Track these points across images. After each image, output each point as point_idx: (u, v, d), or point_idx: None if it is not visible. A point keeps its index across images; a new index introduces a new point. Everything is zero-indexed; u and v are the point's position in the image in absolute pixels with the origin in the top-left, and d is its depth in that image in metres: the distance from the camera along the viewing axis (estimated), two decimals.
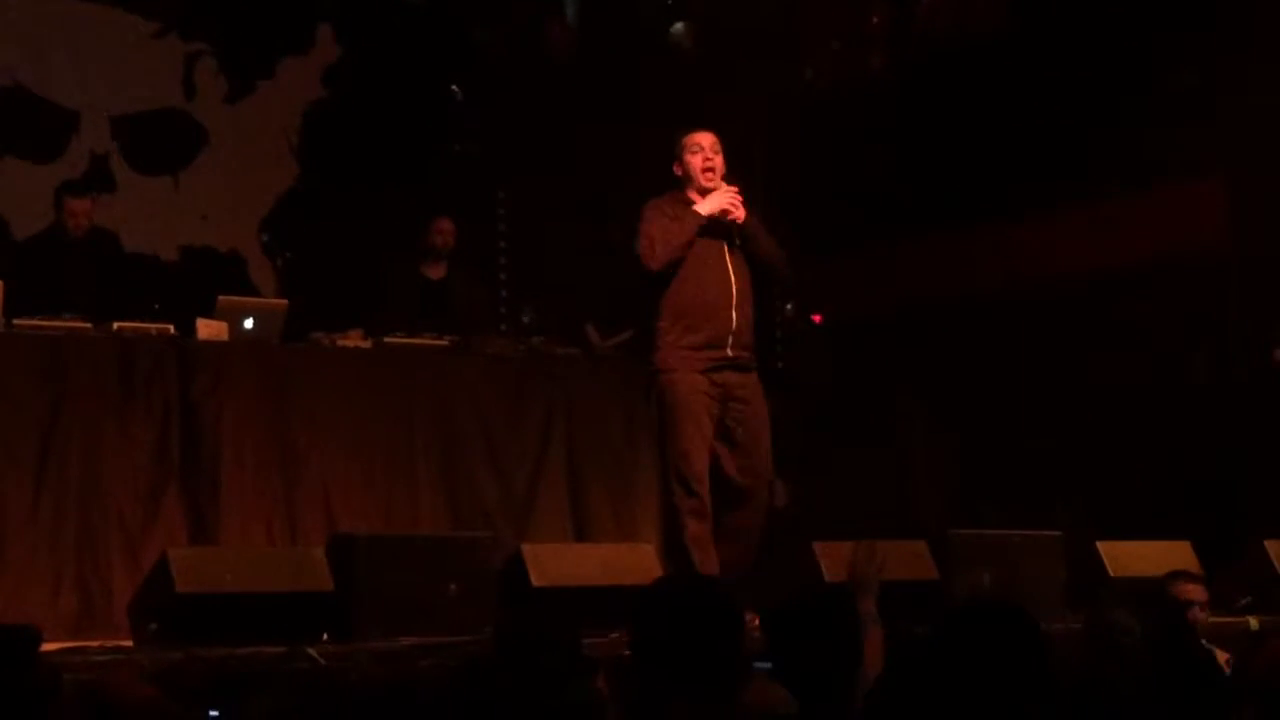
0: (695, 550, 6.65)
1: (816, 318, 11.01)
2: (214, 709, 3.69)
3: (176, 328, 7.61)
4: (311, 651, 5.28)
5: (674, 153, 6.99)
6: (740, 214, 6.86)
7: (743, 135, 10.06)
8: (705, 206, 6.83)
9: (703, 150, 6.91)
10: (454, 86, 10.71)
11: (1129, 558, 7.23)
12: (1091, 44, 9.49)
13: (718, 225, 6.89)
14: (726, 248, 6.90)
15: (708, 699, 3.34)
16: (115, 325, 7.45)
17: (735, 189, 6.89)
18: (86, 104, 10.46)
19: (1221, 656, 4.81)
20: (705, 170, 6.88)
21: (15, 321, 7.30)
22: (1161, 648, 4.22)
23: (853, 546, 6.69)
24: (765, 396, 6.98)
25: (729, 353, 6.82)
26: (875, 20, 10.64)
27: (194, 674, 4.63)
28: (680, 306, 6.84)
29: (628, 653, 3.63)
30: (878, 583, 4.68)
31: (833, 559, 6.68)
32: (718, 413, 6.80)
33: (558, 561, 6.44)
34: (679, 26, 10.93)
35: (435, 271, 9.05)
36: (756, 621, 5.10)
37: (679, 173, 6.97)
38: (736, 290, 6.86)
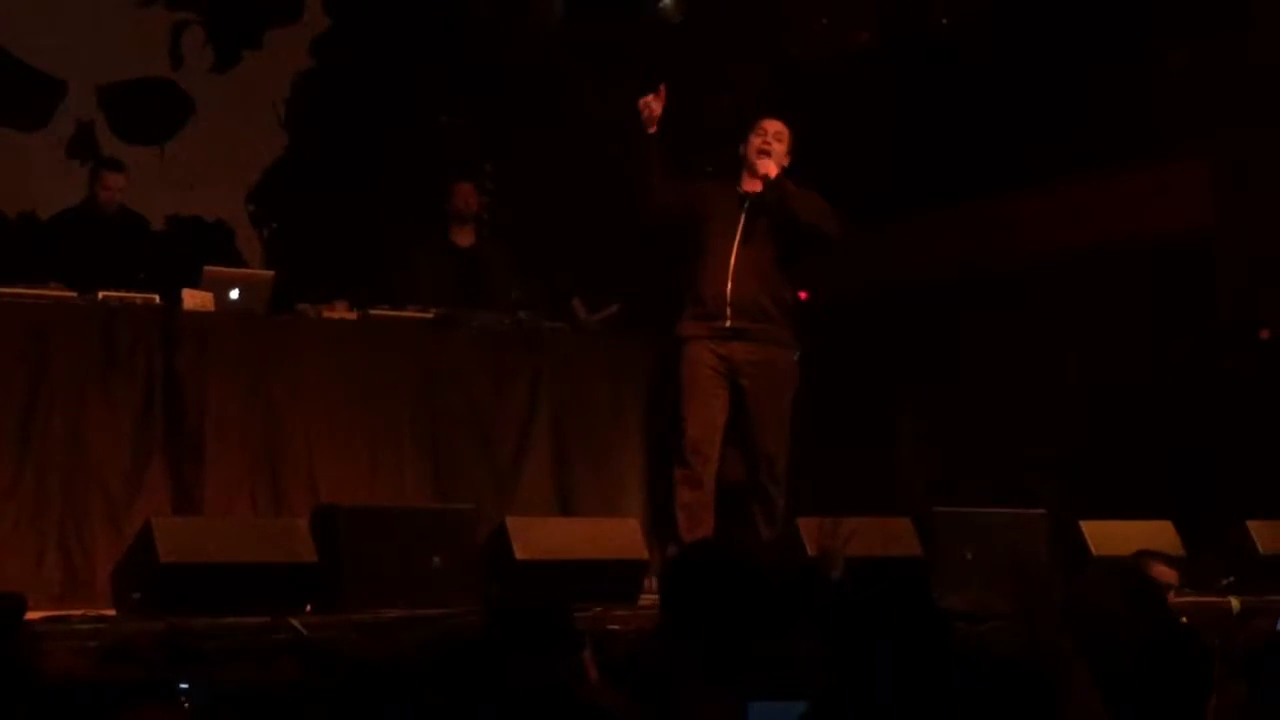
0: (682, 516, 6.72)
1: (802, 296, 11.00)
2: (185, 682, 3.68)
3: (162, 298, 7.59)
4: (295, 622, 5.28)
5: (742, 134, 7.12)
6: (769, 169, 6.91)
7: (731, 111, 10.08)
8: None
9: (765, 134, 7.00)
10: (440, 62, 10.67)
11: (1111, 537, 7.24)
12: (1077, 22, 9.49)
13: (733, 194, 6.99)
14: (744, 217, 6.97)
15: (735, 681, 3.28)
16: (100, 294, 7.44)
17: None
18: (73, 73, 10.42)
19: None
20: (760, 152, 6.97)
21: None
22: (1141, 625, 4.22)
23: (818, 523, 6.77)
24: (790, 366, 7.04)
25: (726, 323, 6.87)
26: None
27: (167, 645, 4.62)
28: (691, 275, 7.00)
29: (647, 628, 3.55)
30: (843, 558, 4.69)
31: (816, 535, 6.69)
32: (726, 384, 6.89)
33: (541, 535, 6.44)
34: (667, 1, 10.91)
35: (463, 239, 9.03)
36: None
37: (742, 153, 7.07)
38: (736, 258, 6.90)
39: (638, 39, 10.61)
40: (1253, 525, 7.43)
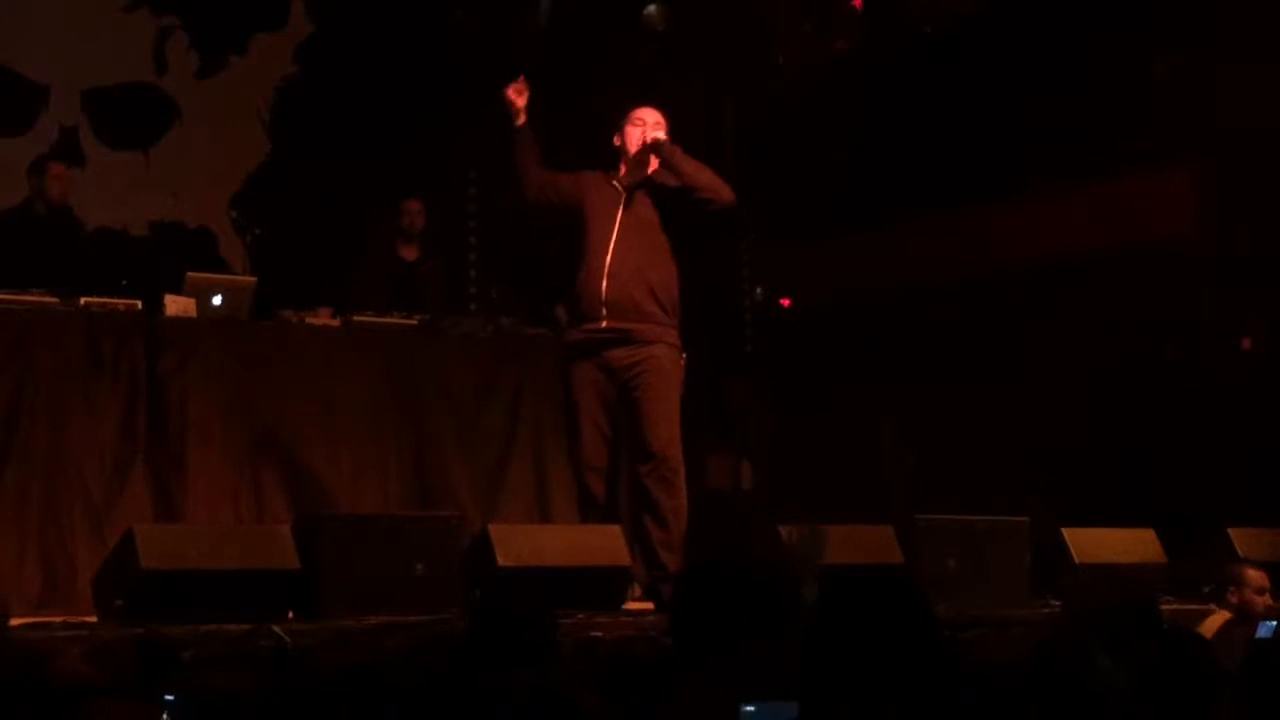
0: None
1: (785, 302, 11.02)
2: (170, 693, 3.67)
3: (145, 304, 7.58)
4: (277, 630, 5.26)
5: (616, 125, 6.81)
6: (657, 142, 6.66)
7: (716, 117, 10.09)
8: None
9: (645, 125, 6.71)
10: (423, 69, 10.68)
11: (1094, 544, 7.25)
12: (1071, 30, 9.50)
13: (609, 187, 6.72)
14: (621, 211, 6.68)
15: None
16: (82, 301, 7.42)
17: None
18: (57, 77, 10.41)
19: None
20: (641, 139, 6.69)
21: None
22: (1143, 631, 4.23)
23: (788, 531, 6.75)
24: (674, 365, 6.73)
25: (602, 324, 6.62)
26: (849, 3, 10.64)
27: (153, 654, 4.61)
28: (571, 275, 6.76)
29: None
30: (816, 566, 4.68)
31: (792, 545, 6.68)
32: (613, 394, 6.65)
33: (524, 542, 6.42)
34: (652, 8, 10.91)
35: (409, 253, 9.08)
36: None
37: (616, 144, 6.78)
38: (613, 255, 6.61)
39: (622, 47, 10.62)
40: (1234, 532, 7.44)
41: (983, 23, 9.97)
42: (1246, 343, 8.87)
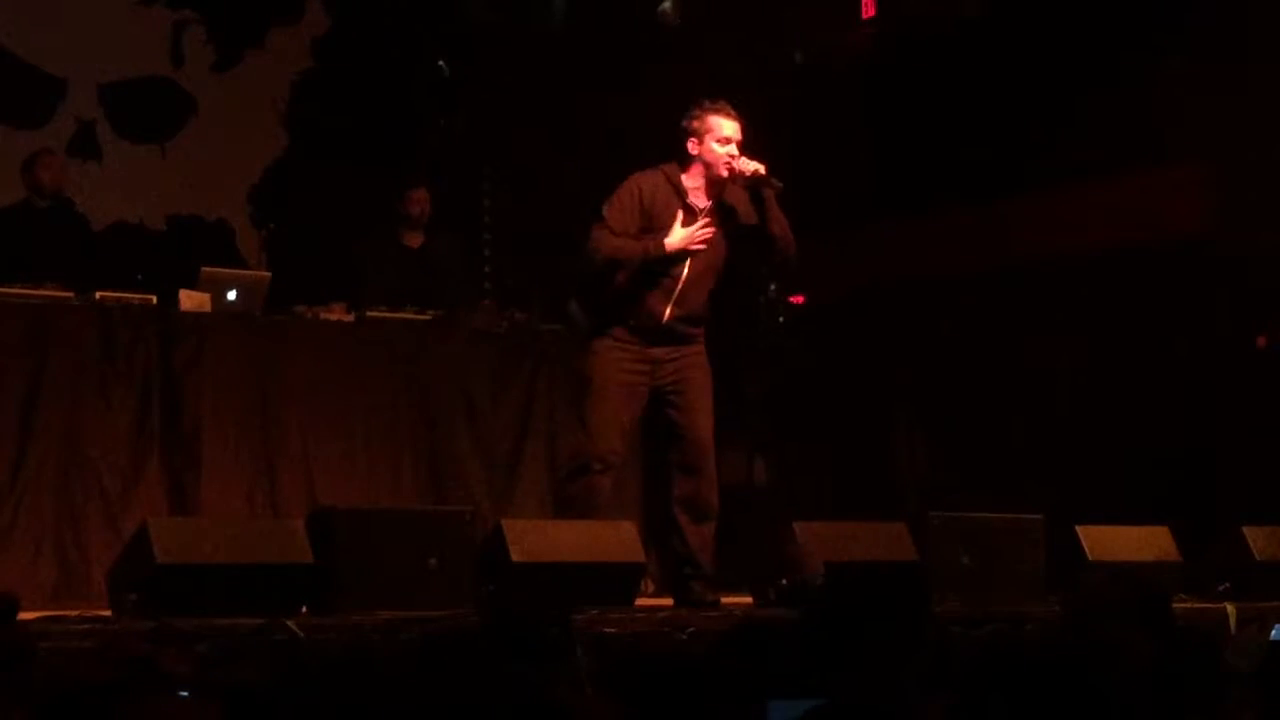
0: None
1: (798, 299, 11.01)
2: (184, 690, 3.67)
3: (160, 298, 7.60)
4: (290, 624, 5.27)
5: (691, 127, 6.53)
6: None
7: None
8: (673, 241, 6.44)
9: (731, 143, 6.48)
10: (440, 63, 10.69)
11: (1108, 542, 7.24)
12: (1077, 27, 9.49)
13: (676, 201, 6.52)
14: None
15: None
16: (97, 295, 7.45)
17: (709, 228, 6.51)
18: (74, 71, 10.42)
19: None
20: (728, 167, 6.47)
21: None
22: (1149, 630, 4.23)
23: (808, 530, 6.74)
24: (707, 362, 6.68)
25: (652, 348, 6.57)
26: (862, 4, 10.64)
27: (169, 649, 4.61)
28: (622, 288, 6.58)
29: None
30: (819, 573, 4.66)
31: (813, 539, 6.68)
32: (646, 388, 6.58)
33: (538, 537, 6.43)
34: (666, 3, 10.91)
35: (413, 240, 9.07)
36: None
37: (694, 153, 6.53)
38: (685, 284, 6.51)
39: (637, 41, 10.62)
40: (1249, 531, 7.42)
41: (990, 22, 9.96)
42: (1261, 340, 8.84)
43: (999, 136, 9.67)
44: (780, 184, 6.55)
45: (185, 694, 3.57)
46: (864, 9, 10.62)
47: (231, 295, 7.78)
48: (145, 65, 10.73)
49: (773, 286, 10.85)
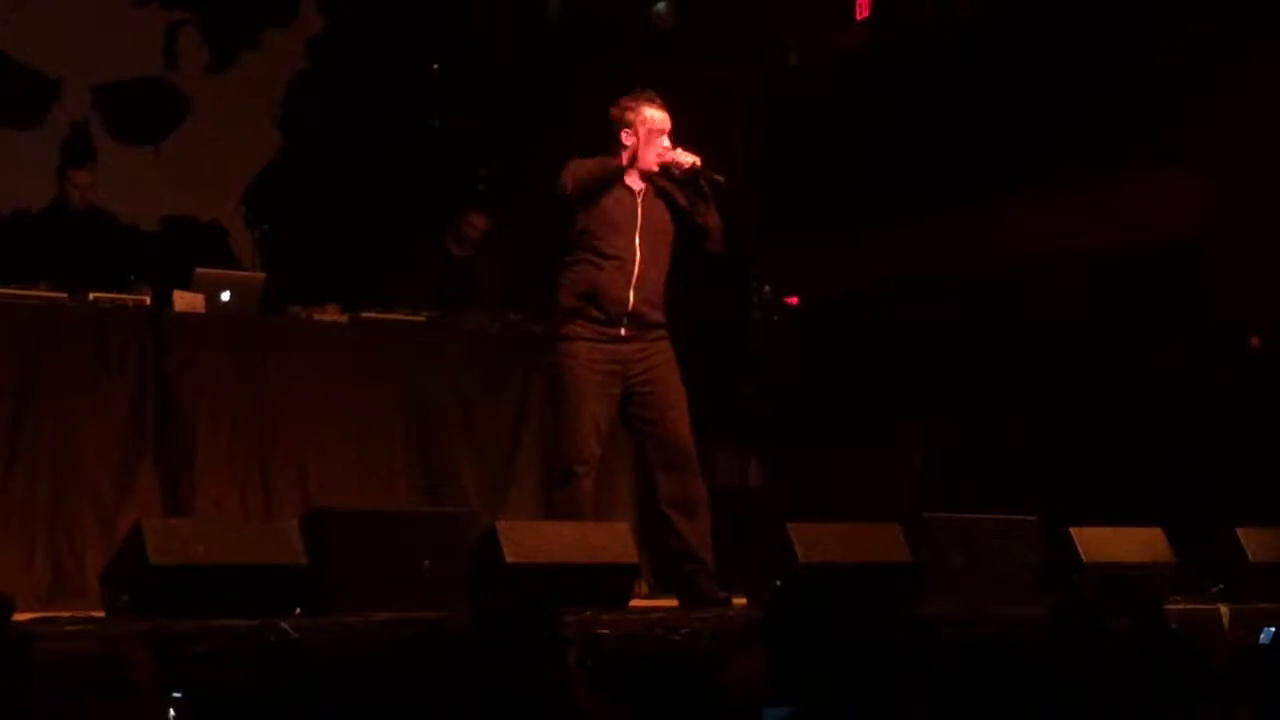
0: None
1: (792, 300, 11.01)
2: (177, 690, 3.67)
3: (156, 299, 7.60)
4: (284, 625, 5.27)
5: (624, 118, 6.60)
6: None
7: (723, 115, 10.08)
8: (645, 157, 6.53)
9: (664, 135, 6.56)
10: (434, 64, 10.70)
11: (1102, 543, 7.24)
12: (1074, 27, 9.49)
13: (624, 192, 6.61)
14: (640, 212, 6.60)
15: None
16: (91, 296, 7.44)
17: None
18: (68, 72, 10.42)
19: None
20: (659, 160, 6.56)
21: None
22: (1136, 634, 4.23)
23: (809, 529, 6.73)
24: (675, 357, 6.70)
25: (621, 331, 6.58)
26: (858, 2, 10.65)
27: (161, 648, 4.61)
28: (580, 276, 6.64)
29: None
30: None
31: (807, 540, 6.69)
32: (618, 385, 6.60)
33: (531, 538, 6.43)
34: (661, 4, 10.91)
35: (459, 250, 9.20)
36: None
37: (627, 143, 6.58)
38: (640, 265, 6.57)
39: (631, 43, 10.62)
40: (1242, 532, 7.42)
41: (985, 23, 9.96)
42: (1256, 341, 8.85)
43: (995, 137, 9.67)
44: (723, 177, 6.61)
45: (179, 695, 3.58)
46: (859, 10, 10.62)
47: (225, 296, 7.77)
48: (139, 66, 10.73)
49: (767, 288, 10.86)
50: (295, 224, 10.81)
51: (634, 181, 6.65)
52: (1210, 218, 9.00)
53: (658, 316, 6.64)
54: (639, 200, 6.63)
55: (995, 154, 9.70)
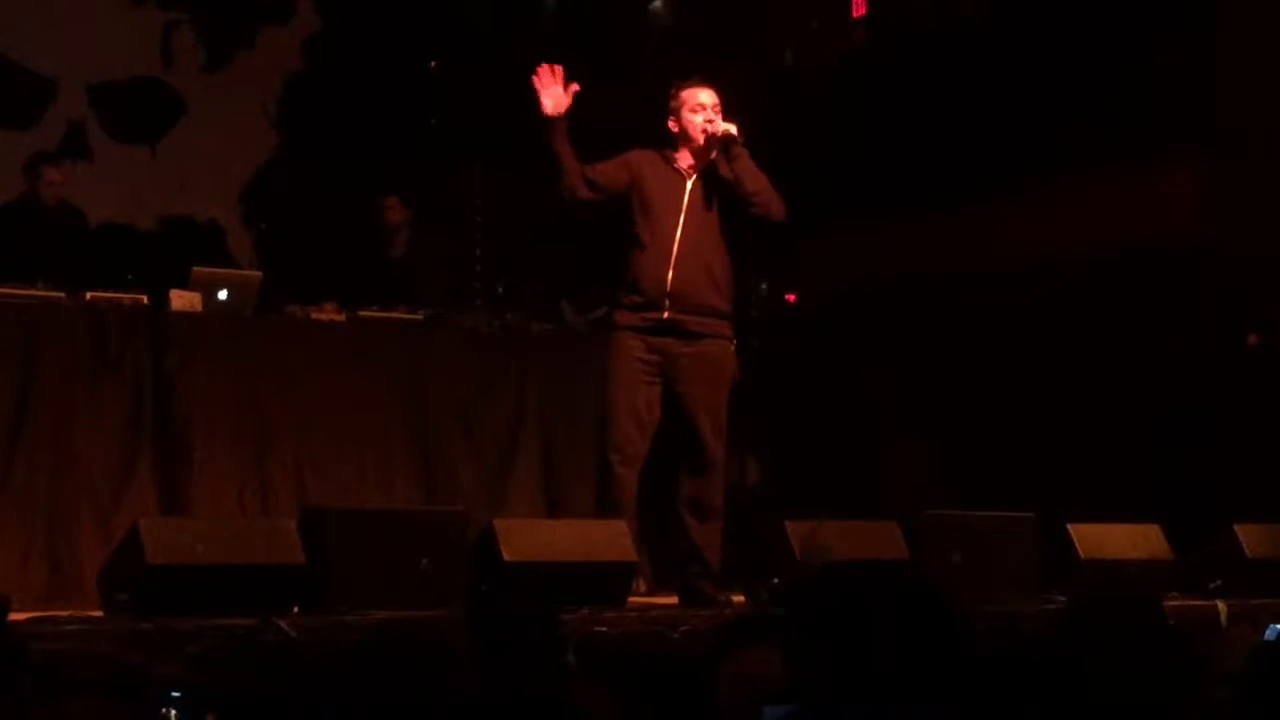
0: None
1: (791, 297, 11.02)
2: (176, 690, 3.67)
3: (152, 298, 7.59)
4: (282, 624, 5.27)
5: (670, 108, 6.64)
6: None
7: (723, 114, 10.06)
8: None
9: (706, 110, 6.56)
10: (431, 62, 10.70)
11: (1100, 540, 7.24)
12: (1072, 26, 9.50)
13: (666, 168, 6.62)
14: (688, 197, 6.59)
15: None
16: (88, 295, 7.44)
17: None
18: (64, 72, 10.42)
19: None
20: (703, 131, 6.54)
21: None
22: (1134, 632, 4.22)
23: (805, 527, 6.73)
24: (727, 357, 6.67)
25: (664, 315, 6.54)
26: (855, 3, 10.65)
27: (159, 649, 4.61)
28: (626, 260, 6.65)
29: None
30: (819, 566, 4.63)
31: (802, 540, 6.69)
32: (658, 379, 6.58)
33: (530, 537, 6.42)
34: (658, 3, 10.91)
35: (395, 249, 9.26)
36: None
37: (674, 129, 6.63)
38: (680, 245, 6.54)
39: (629, 40, 10.62)
40: (1240, 529, 7.42)
41: (985, 21, 9.97)
42: (1253, 338, 8.85)
43: (995, 137, 9.67)
44: (736, 135, 6.54)
45: (178, 694, 3.57)
46: (854, 7, 10.62)
47: (223, 295, 7.77)
48: (136, 66, 10.73)
49: (764, 285, 10.86)
50: (292, 223, 10.81)
51: (685, 164, 6.64)
52: (1210, 217, 9.01)
53: (709, 300, 6.58)
54: (689, 183, 6.61)
55: (995, 154, 9.70)
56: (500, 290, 9.11)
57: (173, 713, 3.64)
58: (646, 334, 6.55)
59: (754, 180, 6.54)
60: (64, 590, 6.87)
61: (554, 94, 6.59)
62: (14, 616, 4.83)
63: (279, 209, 10.92)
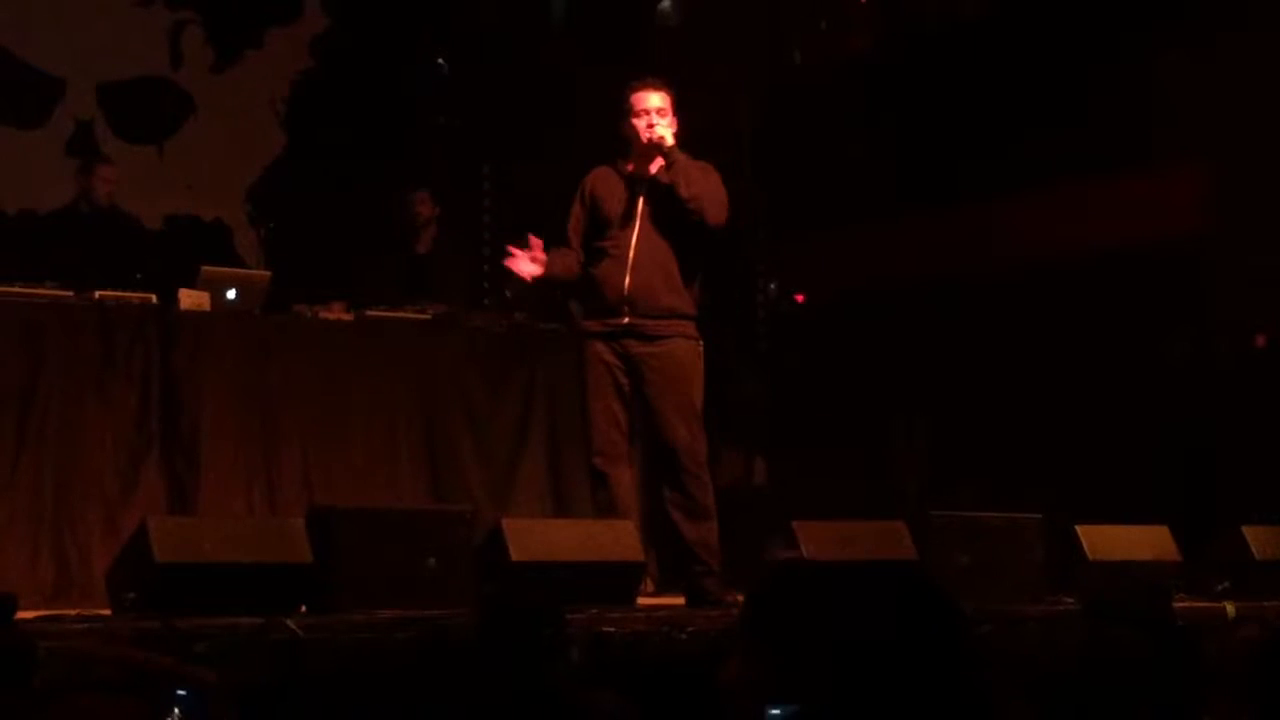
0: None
1: (799, 298, 11.01)
2: (181, 688, 3.67)
3: (160, 297, 7.60)
4: (289, 623, 5.27)
5: (621, 109, 6.61)
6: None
7: (729, 114, 10.08)
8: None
9: (647, 114, 6.52)
10: (440, 60, 10.71)
11: (1107, 541, 7.24)
12: (1075, 26, 9.49)
13: (616, 178, 6.63)
14: (641, 204, 6.58)
15: None
16: (96, 294, 7.44)
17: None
18: (73, 71, 10.42)
19: None
20: (646, 135, 6.50)
21: None
22: (1143, 633, 4.22)
23: (815, 527, 6.73)
24: (693, 357, 6.67)
25: (624, 320, 6.58)
26: (862, 1, 10.65)
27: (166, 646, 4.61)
28: (590, 268, 6.73)
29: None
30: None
31: (812, 538, 6.69)
32: (627, 380, 6.62)
33: (537, 536, 6.43)
34: (666, 3, 10.91)
35: (421, 245, 9.23)
36: None
37: (625, 134, 6.61)
38: (636, 250, 6.56)
39: (637, 41, 10.61)
40: (1248, 530, 7.42)
41: (989, 22, 9.96)
42: (1261, 339, 8.85)
43: (995, 137, 9.67)
44: (670, 144, 6.50)
45: (182, 692, 3.57)
46: None
47: (231, 294, 7.77)
48: (144, 65, 10.73)
49: (772, 286, 10.86)
50: (300, 222, 10.81)
51: (641, 170, 6.65)
52: (1210, 217, 9.00)
53: (667, 302, 6.59)
54: (644, 189, 6.62)
55: (995, 154, 9.70)
56: (508, 295, 9.11)
57: (176, 711, 3.64)
58: (610, 339, 6.60)
59: (688, 186, 6.50)
60: (71, 589, 6.89)
61: (527, 267, 6.66)
62: (21, 614, 4.83)
63: (286, 208, 10.93)
